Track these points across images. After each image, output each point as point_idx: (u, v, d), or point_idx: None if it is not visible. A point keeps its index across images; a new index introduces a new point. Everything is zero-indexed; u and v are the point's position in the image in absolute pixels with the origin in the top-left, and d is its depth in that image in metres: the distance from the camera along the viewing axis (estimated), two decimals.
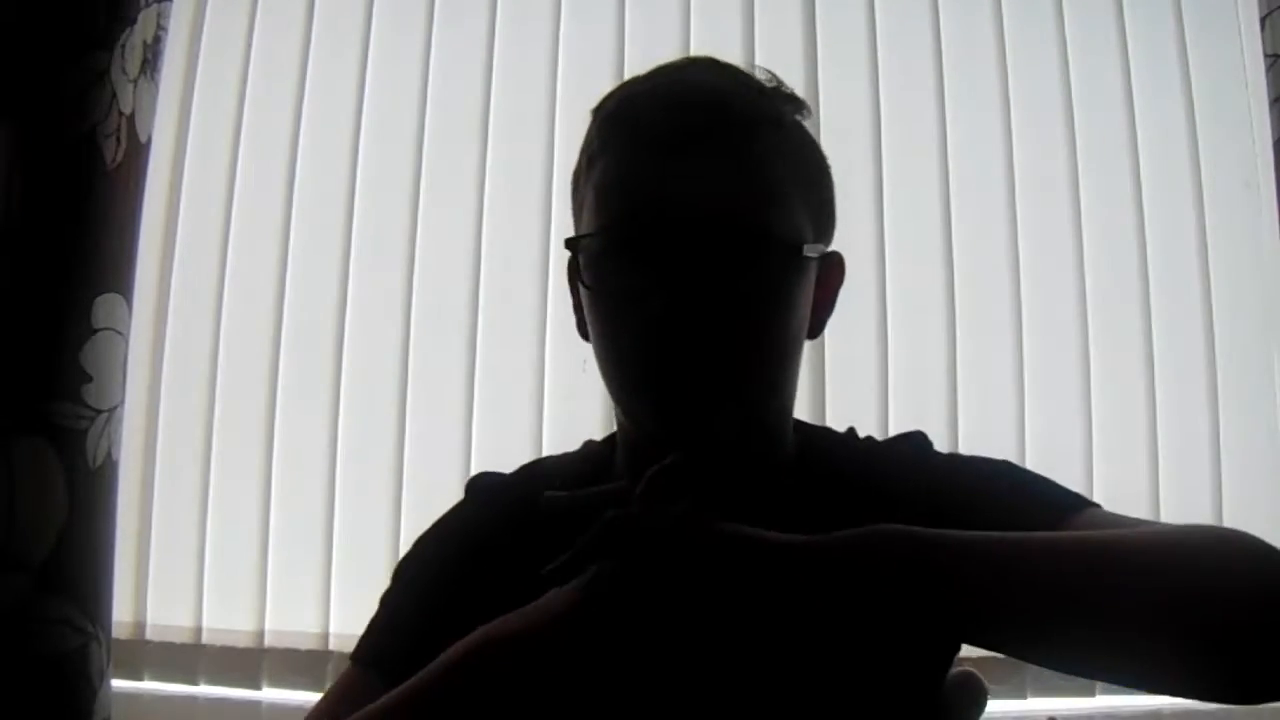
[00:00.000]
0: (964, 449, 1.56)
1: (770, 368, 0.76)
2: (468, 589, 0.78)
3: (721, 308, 0.72)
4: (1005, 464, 0.80)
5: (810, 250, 0.77)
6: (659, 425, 0.75)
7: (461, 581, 0.81)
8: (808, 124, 0.82)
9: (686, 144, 0.73)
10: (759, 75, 0.81)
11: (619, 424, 0.83)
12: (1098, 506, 0.76)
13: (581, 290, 0.77)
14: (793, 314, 0.76)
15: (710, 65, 0.79)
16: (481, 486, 0.89)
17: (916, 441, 0.84)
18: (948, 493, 0.74)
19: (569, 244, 0.77)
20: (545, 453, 1.61)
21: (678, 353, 0.72)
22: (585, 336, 0.79)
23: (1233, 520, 1.57)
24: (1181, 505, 1.58)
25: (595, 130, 0.78)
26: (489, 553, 0.81)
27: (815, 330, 0.81)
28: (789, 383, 0.80)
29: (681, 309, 0.71)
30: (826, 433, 0.86)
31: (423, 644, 0.70)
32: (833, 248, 0.82)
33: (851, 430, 0.87)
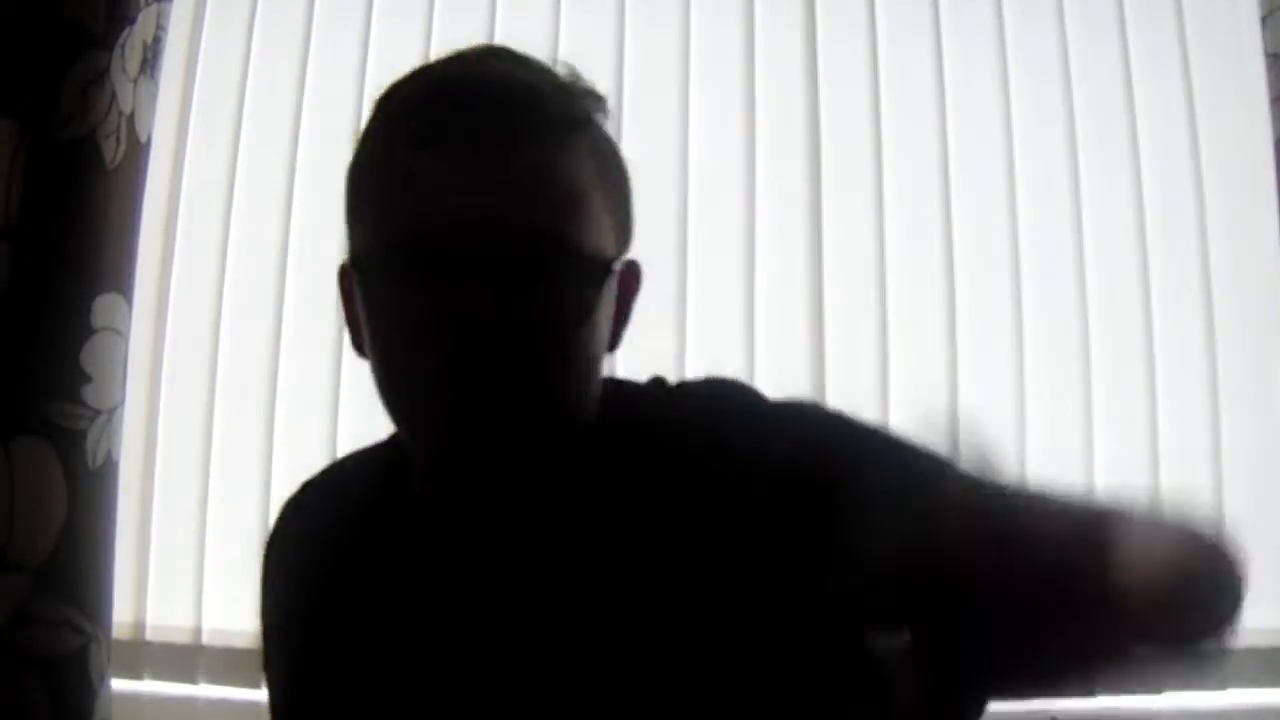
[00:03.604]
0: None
1: (572, 391, 0.70)
2: (311, 600, 0.78)
3: (519, 331, 0.65)
4: (843, 421, 0.73)
5: (615, 259, 0.71)
6: (447, 459, 0.71)
7: (303, 594, 0.80)
8: (607, 124, 0.75)
9: (482, 147, 0.65)
10: (559, 69, 0.73)
11: None
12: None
13: (359, 305, 0.70)
14: (594, 331, 0.70)
15: (509, 56, 0.72)
16: (289, 503, 0.88)
17: (733, 389, 0.76)
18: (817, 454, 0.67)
19: (352, 262, 0.70)
20: None
21: (470, 383, 0.65)
22: (361, 352, 0.74)
23: (1233, 520, 1.57)
24: (1181, 505, 1.58)
25: (378, 125, 0.71)
26: (292, 577, 0.82)
27: (614, 343, 0.74)
28: (590, 400, 0.72)
29: (473, 336, 0.65)
30: (627, 387, 0.78)
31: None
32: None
33: (658, 379, 0.80)
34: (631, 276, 0.75)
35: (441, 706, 0.70)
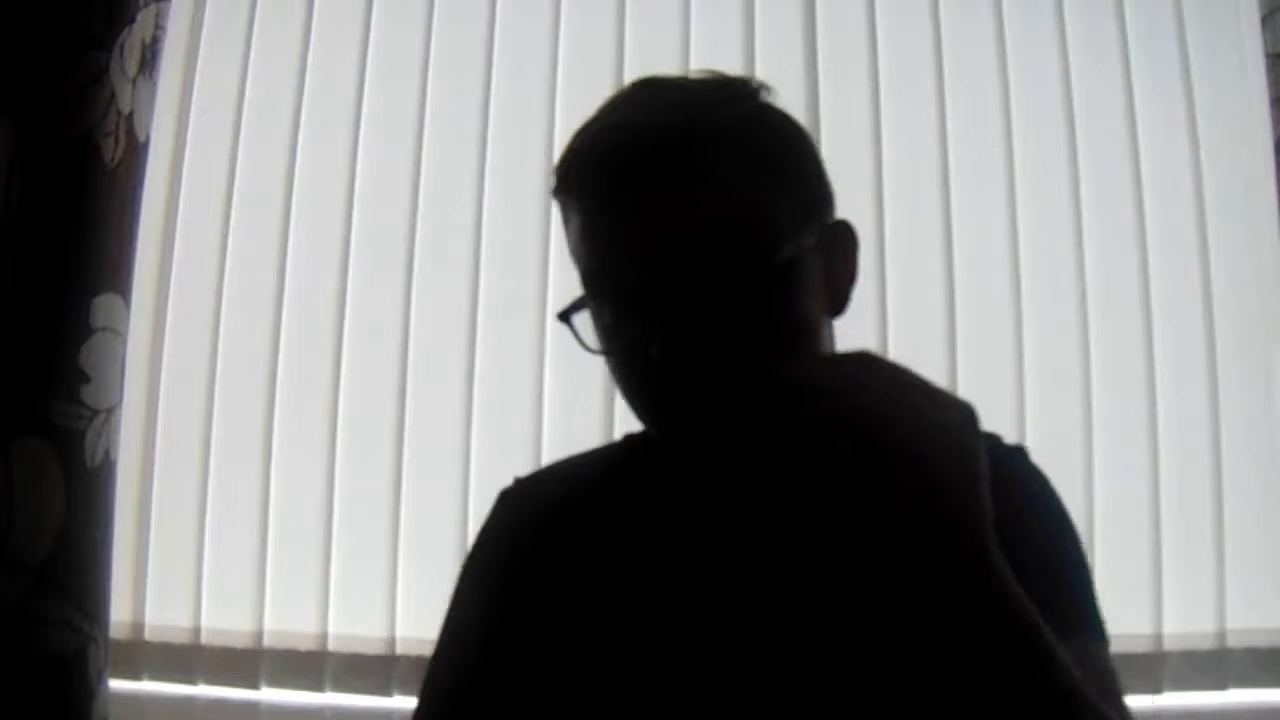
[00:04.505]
0: None
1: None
2: (515, 595, 0.80)
3: (719, 341, 0.68)
4: (1076, 543, 0.78)
5: (805, 243, 0.73)
6: (694, 466, 0.73)
7: (507, 590, 0.82)
8: (770, 98, 0.77)
9: (639, 190, 0.69)
10: (698, 78, 0.76)
11: None
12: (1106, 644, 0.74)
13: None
14: (794, 314, 0.73)
15: (646, 95, 0.75)
16: (511, 492, 0.89)
17: (1015, 450, 0.81)
18: (1016, 512, 0.68)
19: (561, 318, 0.74)
20: (545, 454, 1.62)
21: (691, 398, 0.69)
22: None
23: (1233, 520, 1.57)
24: (1182, 505, 1.58)
25: (555, 195, 0.76)
26: (526, 555, 0.82)
27: (839, 306, 0.79)
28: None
29: (679, 353, 0.68)
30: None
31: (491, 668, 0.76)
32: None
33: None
34: (841, 237, 0.79)
35: (662, 679, 0.72)
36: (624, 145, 0.70)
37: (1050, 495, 0.79)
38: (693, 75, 0.77)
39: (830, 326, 0.78)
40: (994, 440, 0.78)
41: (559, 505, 0.84)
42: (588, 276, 0.73)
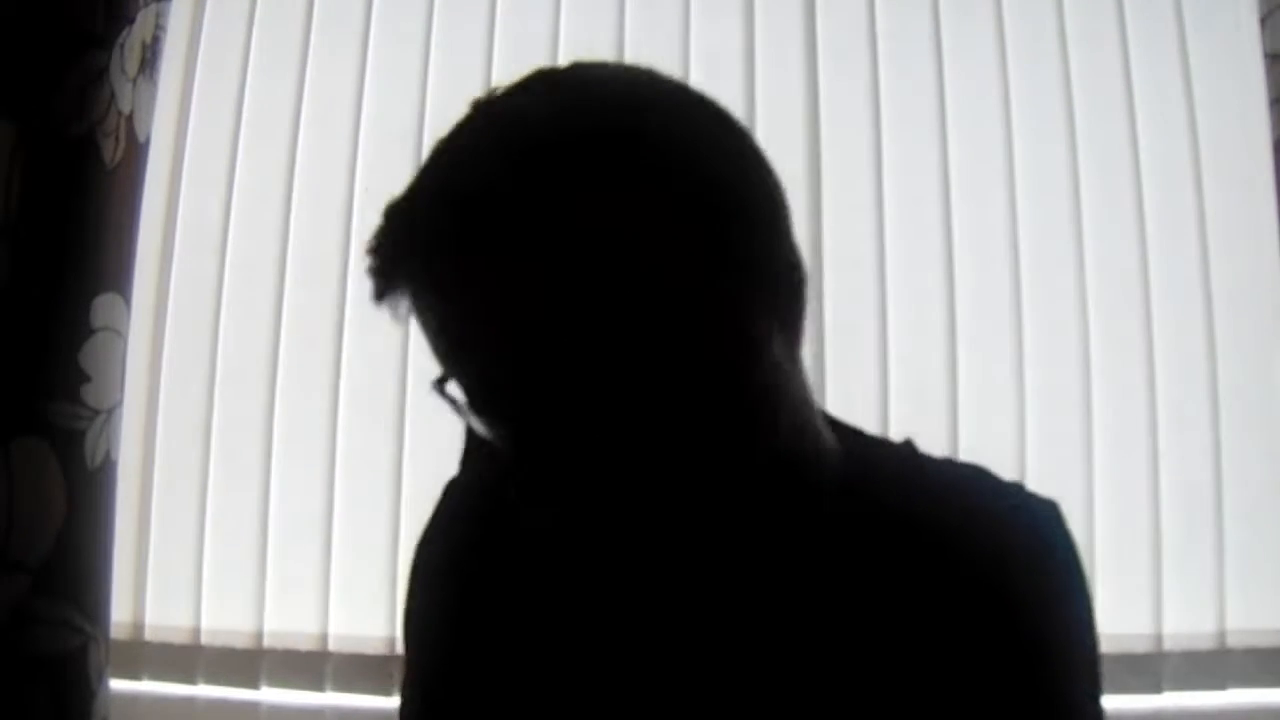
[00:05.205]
0: (964, 449, 1.57)
1: (717, 402, 0.61)
2: (468, 590, 0.77)
3: (619, 391, 0.58)
4: (1091, 640, 0.69)
5: (682, 276, 0.59)
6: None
7: (448, 588, 0.78)
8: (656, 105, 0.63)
9: (477, 263, 0.58)
10: (568, 94, 0.62)
11: None
12: None
13: None
14: (717, 342, 0.60)
15: (486, 139, 0.62)
16: (454, 484, 0.84)
17: (1043, 520, 0.69)
18: (1023, 625, 0.64)
19: (435, 387, 0.65)
20: None
21: (606, 451, 0.60)
22: None
23: (1233, 520, 1.57)
24: (1182, 505, 1.58)
25: (376, 273, 0.63)
26: (460, 550, 0.79)
27: (788, 334, 0.66)
28: (766, 400, 0.63)
29: (575, 416, 0.59)
30: (883, 449, 0.73)
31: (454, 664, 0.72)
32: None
33: (910, 444, 0.74)
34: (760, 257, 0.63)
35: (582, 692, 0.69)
36: (472, 213, 0.58)
37: (1070, 587, 0.69)
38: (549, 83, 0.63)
39: (784, 349, 0.65)
40: (1020, 498, 0.70)
41: (491, 501, 0.78)
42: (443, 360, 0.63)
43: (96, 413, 1.47)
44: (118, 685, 1.53)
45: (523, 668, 0.71)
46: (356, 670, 1.60)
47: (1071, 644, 0.66)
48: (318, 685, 1.60)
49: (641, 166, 0.59)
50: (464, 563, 0.77)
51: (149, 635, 1.64)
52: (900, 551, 0.65)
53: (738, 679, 0.66)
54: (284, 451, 1.67)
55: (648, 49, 1.69)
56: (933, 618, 0.64)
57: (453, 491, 0.83)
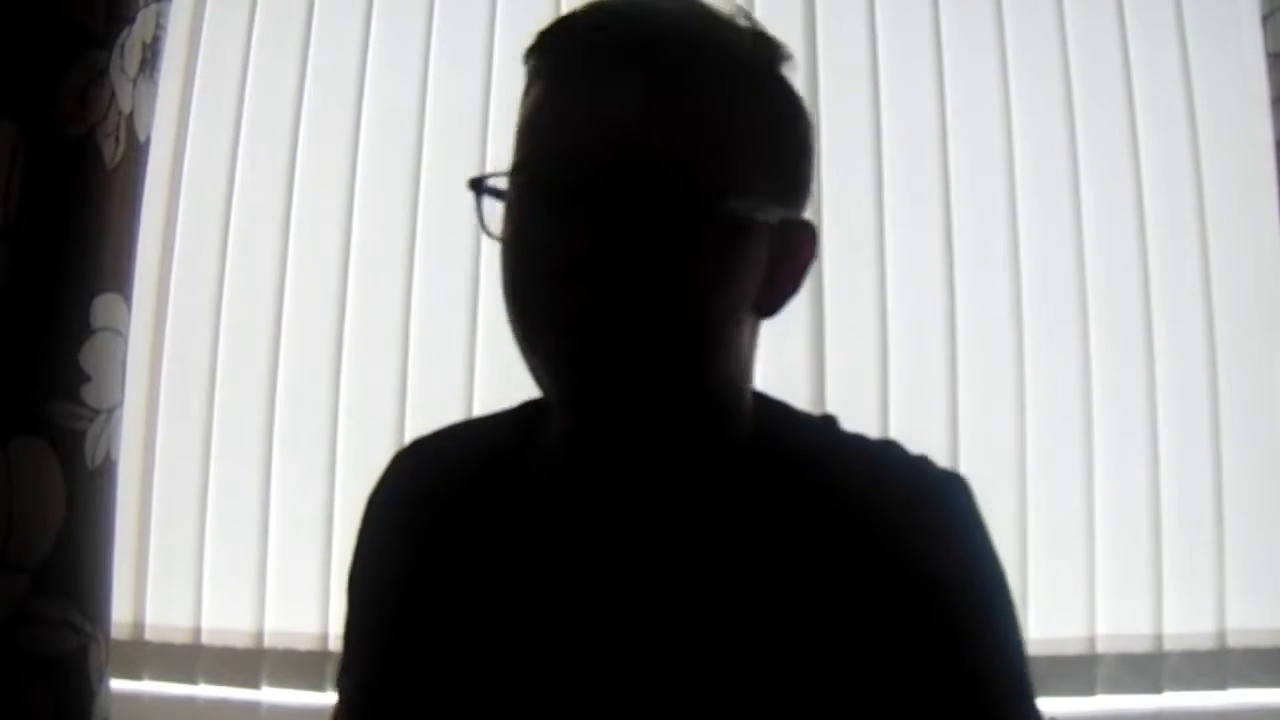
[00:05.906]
0: (964, 449, 1.57)
1: (692, 344, 0.65)
2: (412, 558, 0.75)
3: (632, 270, 0.61)
4: (1014, 627, 0.67)
5: (758, 213, 0.65)
6: (560, 403, 0.67)
7: (404, 551, 0.76)
8: (791, 76, 0.72)
9: (616, 75, 0.62)
10: (738, 19, 0.68)
11: None
12: None
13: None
14: (727, 284, 0.64)
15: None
16: (404, 454, 0.84)
17: (946, 489, 0.68)
18: (939, 601, 0.64)
19: (472, 184, 0.67)
20: None
21: (576, 321, 0.62)
22: None
23: (1233, 521, 1.57)
24: (1182, 505, 1.58)
25: (526, 59, 0.68)
26: (400, 526, 0.78)
27: (771, 307, 0.69)
28: (726, 363, 0.67)
29: (584, 269, 0.61)
30: (795, 419, 0.73)
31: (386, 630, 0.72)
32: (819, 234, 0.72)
33: (830, 420, 0.75)
34: (800, 238, 0.69)
35: (524, 669, 0.67)
36: (614, 30, 0.63)
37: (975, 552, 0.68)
38: (740, 16, 0.69)
39: (754, 326, 0.69)
40: (925, 468, 0.70)
41: (438, 475, 0.78)
42: (516, 168, 0.66)
43: (96, 413, 1.47)
44: (118, 685, 1.53)
45: (467, 630, 0.70)
46: None
47: (978, 610, 0.65)
48: (318, 685, 1.60)
49: (765, 92, 0.68)
50: (424, 528, 0.75)
51: (149, 635, 1.64)
52: (803, 517, 0.65)
53: (637, 642, 0.65)
54: (284, 451, 1.67)
55: None
56: (833, 578, 0.63)
57: (404, 462, 0.83)
